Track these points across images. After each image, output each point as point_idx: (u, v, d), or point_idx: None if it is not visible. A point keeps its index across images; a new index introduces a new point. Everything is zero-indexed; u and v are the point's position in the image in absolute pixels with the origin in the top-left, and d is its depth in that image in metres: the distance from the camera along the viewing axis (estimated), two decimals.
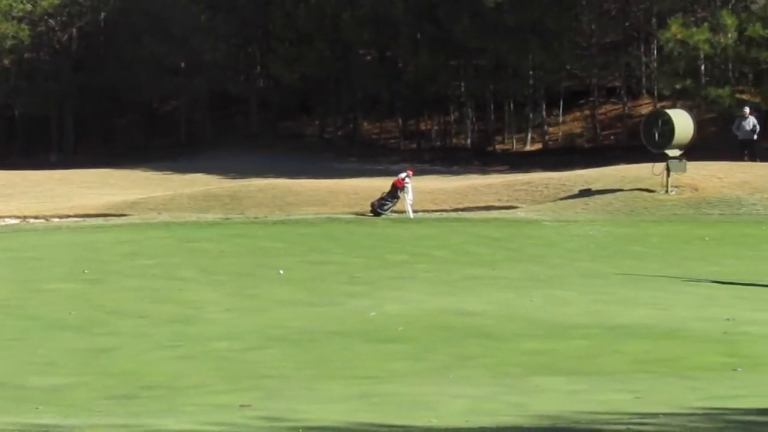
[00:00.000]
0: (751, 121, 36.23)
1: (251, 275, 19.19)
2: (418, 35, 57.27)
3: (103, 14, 61.18)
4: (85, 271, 19.42)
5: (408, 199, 28.78)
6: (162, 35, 57.14)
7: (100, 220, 29.04)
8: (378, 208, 28.95)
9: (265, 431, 7.60)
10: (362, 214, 29.04)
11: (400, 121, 59.33)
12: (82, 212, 31.27)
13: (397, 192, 29.14)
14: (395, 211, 29.04)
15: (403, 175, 29.47)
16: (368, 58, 62.97)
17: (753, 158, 35.21)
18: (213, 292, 17.38)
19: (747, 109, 37.20)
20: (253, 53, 62.17)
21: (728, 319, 14.04)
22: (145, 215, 30.11)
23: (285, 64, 58.23)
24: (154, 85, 58.00)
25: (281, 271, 18.96)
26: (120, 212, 30.80)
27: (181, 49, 57.77)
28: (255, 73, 63.46)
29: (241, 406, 9.39)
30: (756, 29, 43.95)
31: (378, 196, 29.66)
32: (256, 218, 28.80)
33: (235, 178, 42.41)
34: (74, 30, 60.45)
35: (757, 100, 43.81)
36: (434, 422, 8.24)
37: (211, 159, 50.10)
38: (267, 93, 61.39)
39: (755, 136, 36.26)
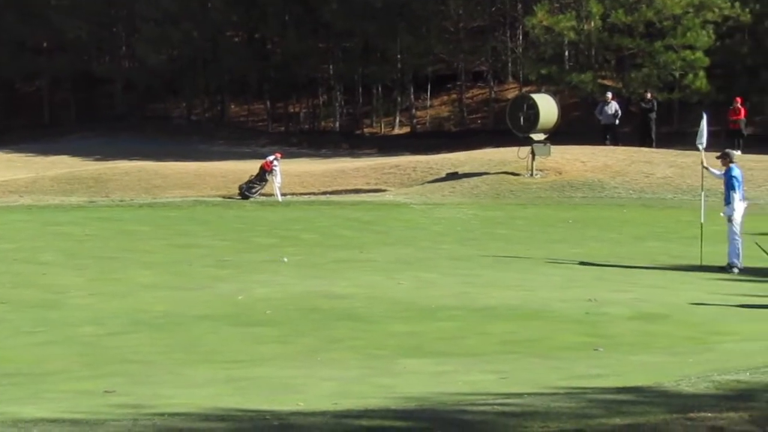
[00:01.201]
0: (613, 106, 37.09)
1: (116, 259, 18.89)
2: (287, 17, 57.01)
3: None
4: None
5: (276, 182, 28.67)
6: (23, 13, 55.73)
7: None
8: (246, 191, 28.78)
9: (129, 417, 7.48)
10: (230, 197, 28.84)
11: (268, 103, 59.02)
12: None
13: (265, 175, 29.00)
14: (263, 194, 28.91)
15: (271, 158, 29.33)
16: (236, 39, 62.43)
17: (614, 142, 36.07)
18: (77, 276, 17.04)
19: (609, 95, 38.07)
20: (118, 33, 61.10)
21: (590, 300, 14.34)
22: (6, 198, 29.37)
23: (151, 45, 57.35)
24: (15, 65, 56.56)
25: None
26: None
27: (44, 27, 56.43)
28: (120, 54, 62.38)
29: (105, 391, 9.23)
30: (619, 16, 44.90)
31: (246, 179, 29.50)
32: (121, 201, 28.36)
33: (100, 160, 41.69)
34: None
35: (619, 85, 44.81)
36: (301, 405, 8.23)
37: (76, 141, 49.14)
38: (133, 74, 60.37)
39: (617, 121, 37.15)
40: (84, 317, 13.63)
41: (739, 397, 7.76)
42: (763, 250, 16.99)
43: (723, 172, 18.81)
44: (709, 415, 7.09)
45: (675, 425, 6.86)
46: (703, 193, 20.47)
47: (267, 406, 8.03)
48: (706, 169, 19.45)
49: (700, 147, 19.59)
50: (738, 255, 18.27)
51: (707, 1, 44.50)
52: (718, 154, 19.50)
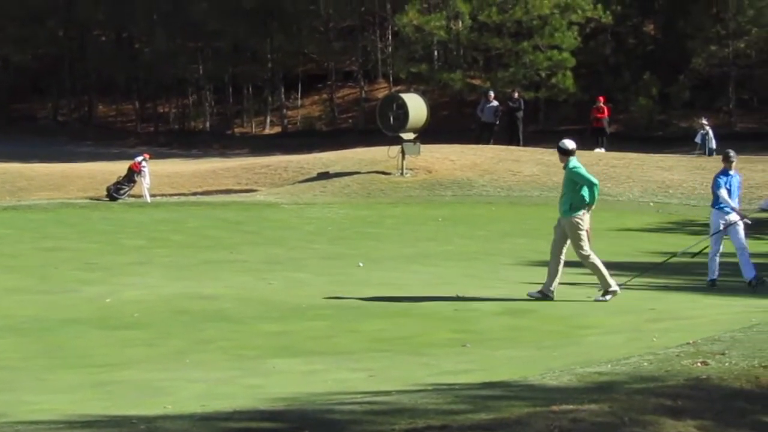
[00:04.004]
0: (494, 106, 37.64)
1: None
2: (155, 16, 56.35)
3: None
4: None
5: (145, 183, 28.35)
6: None
7: None
8: (114, 193, 28.39)
9: None
10: (98, 199, 28.40)
11: (137, 103, 58.27)
12: None
13: (133, 176, 28.65)
14: (132, 196, 28.54)
15: (139, 158, 28.97)
16: (104, 38, 61.50)
17: (488, 141, 36.62)
18: None
19: (492, 93, 38.61)
20: None
21: (457, 296, 14.53)
22: None
23: (15, 44, 56.09)
24: None
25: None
26: None
27: None
28: None
29: None
30: (488, 15, 45.53)
31: (114, 180, 29.10)
32: None
33: None
34: None
35: (487, 84, 45.43)
36: (169, 408, 8.17)
37: None
38: None
39: (497, 120, 37.70)
40: None
41: (600, 388, 7.95)
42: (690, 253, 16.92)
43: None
44: (572, 407, 7.26)
45: (538, 418, 7.00)
46: None
47: (134, 411, 7.94)
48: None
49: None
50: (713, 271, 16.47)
51: (572, 2, 45.46)
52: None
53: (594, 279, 14.69)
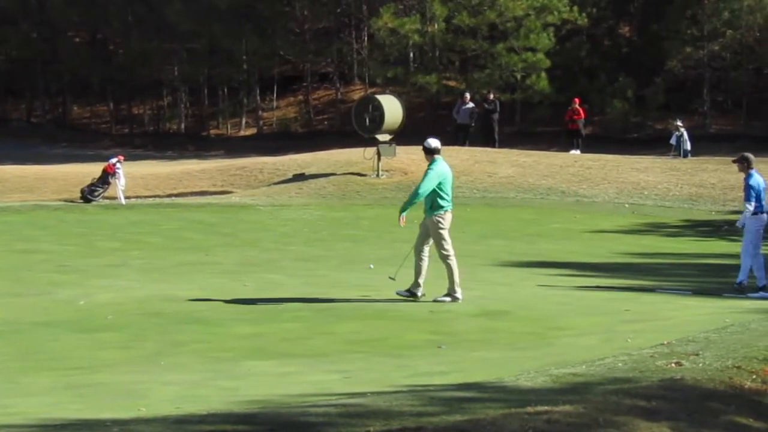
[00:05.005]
0: (470, 107, 37.70)
1: None
2: (129, 17, 56.17)
3: None
4: None
5: (120, 184, 28.24)
6: None
7: None
8: (88, 195, 28.27)
9: None
10: (72, 201, 28.27)
11: (111, 105, 58.04)
12: None
13: (108, 178, 28.54)
14: (107, 197, 28.43)
15: (114, 160, 28.86)
16: (78, 39, 61.23)
17: (463, 143, 36.65)
18: None
19: (467, 95, 38.67)
20: None
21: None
22: None
23: None
24: None
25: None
26: None
27: None
28: None
29: None
30: (463, 18, 45.61)
31: (88, 182, 28.97)
32: None
33: None
34: None
35: (463, 86, 45.50)
36: (143, 411, 8.13)
37: None
38: None
39: (473, 122, 37.75)
40: None
41: (575, 389, 7.97)
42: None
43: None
44: (546, 408, 7.27)
45: (513, 419, 7.01)
46: None
47: (108, 413, 7.90)
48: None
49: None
50: (746, 272, 16.07)
51: (548, 4, 45.59)
52: (734, 158, 16.92)
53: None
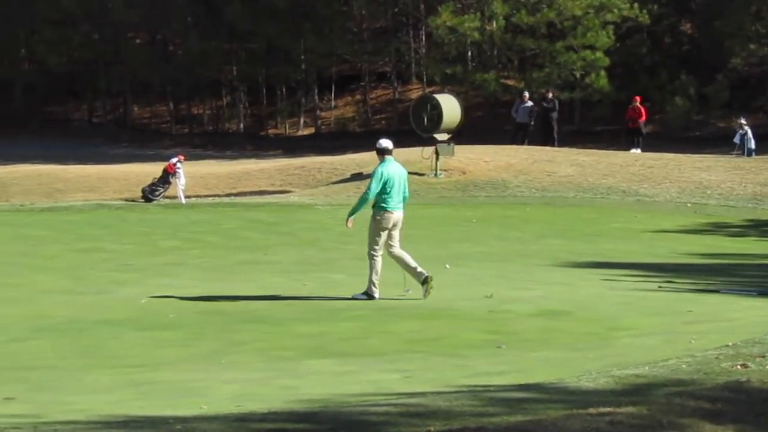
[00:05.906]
0: (528, 106, 37.56)
1: (15, 264, 18.53)
2: (189, 18, 56.59)
3: None
4: None
5: (180, 184, 28.44)
6: None
7: None
8: (149, 194, 28.49)
9: (29, 424, 7.35)
10: (133, 200, 28.52)
11: (171, 105, 58.51)
12: None
13: (168, 177, 28.74)
14: (167, 197, 28.64)
15: (174, 160, 29.06)
16: (138, 40, 61.79)
17: (522, 141, 36.54)
18: None
19: (526, 94, 38.52)
20: (16, 35, 60.06)
21: (489, 296, 14.45)
22: None
23: (51, 47, 56.48)
24: None
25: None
26: None
27: None
28: (20, 56, 61.33)
29: (5, 399, 9.07)
30: (521, 16, 45.43)
31: (149, 181, 29.20)
32: (22, 205, 27.83)
33: None
34: None
35: (521, 85, 45.32)
36: (204, 409, 8.17)
37: None
38: (32, 76, 59.40)
39: (532, 121, 37.62)
40: None
41: (638, 391, 7.88)
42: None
43: None
44: (609, 409, 7.19)
45: (575, 420, 6.94)
46: None
47: (170, 411, 7.95)
48: None
49: None
50: None
51: (607, 2, 45.28)
52: None
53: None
